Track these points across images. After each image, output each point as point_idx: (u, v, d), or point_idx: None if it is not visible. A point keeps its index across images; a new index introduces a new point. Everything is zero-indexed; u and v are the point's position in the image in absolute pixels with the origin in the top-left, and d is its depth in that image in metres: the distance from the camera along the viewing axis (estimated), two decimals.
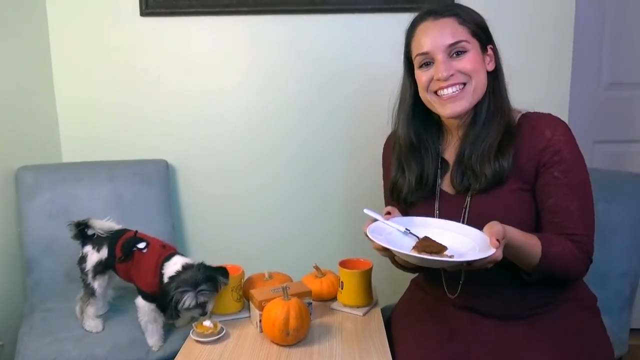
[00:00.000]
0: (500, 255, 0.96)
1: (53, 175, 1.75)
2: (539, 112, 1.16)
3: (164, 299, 1.25)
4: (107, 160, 1.87)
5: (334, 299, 1.44)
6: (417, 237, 1.09)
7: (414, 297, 1.36)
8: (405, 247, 1.05)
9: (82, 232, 1.41)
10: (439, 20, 1.11)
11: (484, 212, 1.09)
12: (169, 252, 1.33)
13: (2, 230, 1.68)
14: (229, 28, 1.87)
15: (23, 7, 1.78)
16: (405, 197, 1.23)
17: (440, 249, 1.03)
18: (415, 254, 1.00)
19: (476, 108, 1.15)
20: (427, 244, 1.04)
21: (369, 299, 1.40)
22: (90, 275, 1.38)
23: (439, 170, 1.22)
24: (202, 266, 1.27)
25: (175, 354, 1.22)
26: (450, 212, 1.16)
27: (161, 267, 1.29)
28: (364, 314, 1.37)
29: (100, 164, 1.84)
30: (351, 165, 1.93)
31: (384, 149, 1.36)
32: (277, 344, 1.22)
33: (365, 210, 1.13)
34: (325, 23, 1.86)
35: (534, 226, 1.13)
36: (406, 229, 1.10)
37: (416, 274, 1.39)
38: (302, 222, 1.98)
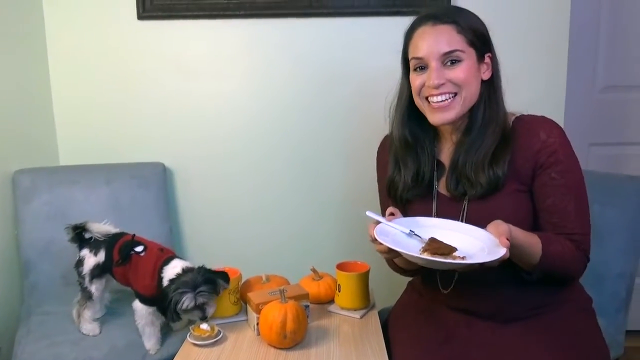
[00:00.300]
0: (508, 254, 0.97)
1: (50, 178, 1.75)
2: (533, 115, 1.17)
3: (163, 301, 1.25)
4: (104, 163, 1.87)
5: (331, 301, 1.44)
6: (420, 237, 1.09)
7: (410, 299, 1.36)
8: (412, 248, 1.04)
9: (80, 236, 1.41)
10: (438, 26, 1.11)
11: (483, 214, 1.10)
12: (167, 256, 1.34)
13: None
14: (226, 31, 1.88)
15: (20, 10, 1.78)
16: (402, 195, 1.23)
17: (450, 250, 1.03)
18: (429, 257, 1.00)
19: (471, 115, 1.15)
20: (436, 246, 1.04)
21: (366, 301, 1.40)
22: (87, 279, 1.38)
23: (435, 172, 1.22)
24: (202, 269, 1.27)
25: (172, 357, 1.23)
26: (448, 214, 1.17)
27: (160, 270, 1.30)
28: (361, 317, 1.37)
29: (97, 167, 1.84)
30: (348, 168, 1.94)
31: (379, 150, 1.36)
32: (274, 347, 1.22)
33: (368, 213, 1.12)
34: (321, 26, 1.86)
35: (532, 227, 1.14)
36: (410, 230, 1.10)
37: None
38: (299, 225, 1.98)
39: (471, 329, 1.17)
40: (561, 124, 1.14)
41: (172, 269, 1.28)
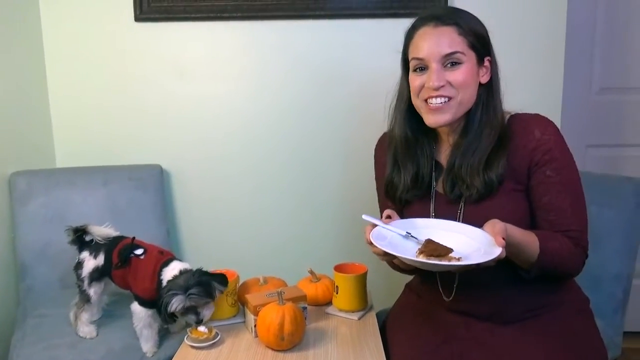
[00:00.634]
0: (504, 254, 0.97)
1: (47, 181, 1.74)
2: (528, 113, 1.17)
3: (158, 303, 1.24)
4: (101, 165, 1.86)
5: (329, 303, 1.44)
6: (417, 239, 1.09)
7: (408, 301, 1.36)
8: (409, 250, 1.04)
9: (80, 238, 1.40)
10: (439, 28, 1.11)
11: (480, 214, 1.10)
12: (167, 258, 1.33)
13: None
14: (224, 33, 1.88)
15: (16, 12, 1.77)
16: (401, 196, 1.23)
17: (446, 251, 1.03)
18: (424, 259, 1.00)
19: (468, 117, 1.16)
20: (433, 248, 1.04)
21: (364, 303, 1.40)
22: (86, 282, 1.38)
23: (433, 173, 1.23)
24: (197, 271, 1.27)
25: (169, 359, 1.22)
26: (446, 214, 1.17)
27: (159, 272, 1.29)
28: (359, 318, 1.37)
29: (94, 169, 1.84)
30: (346, 169, 1.94)
31: (376, 148, 1.36)
32: (272, 349, 1.22)
33: (364, 216, 1.11)
34: (319, 28, 1.86)
35: (530, 226, 1.14)
36: (407, 232, 1.10)
37: (412, 277, 1.39)
38: (297, 226, 1.98)
39: (469, 330, 1.17)
40: (558, 126, 1.14)
41: (171, 271, 1.28)
